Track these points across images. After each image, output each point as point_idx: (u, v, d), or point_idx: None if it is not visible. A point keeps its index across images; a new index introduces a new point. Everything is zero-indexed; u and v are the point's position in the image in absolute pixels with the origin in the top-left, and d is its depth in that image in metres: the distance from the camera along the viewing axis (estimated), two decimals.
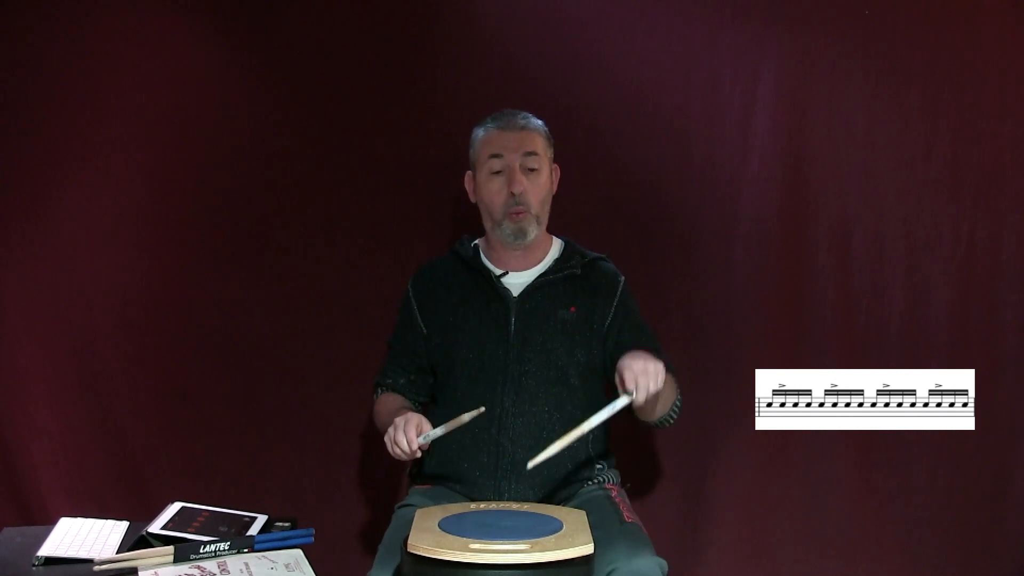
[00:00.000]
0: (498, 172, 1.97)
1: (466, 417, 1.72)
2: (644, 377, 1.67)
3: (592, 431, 1.94)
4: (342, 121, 2.51)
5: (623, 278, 2.07)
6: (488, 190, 1.98)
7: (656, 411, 1.90)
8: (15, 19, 2.43)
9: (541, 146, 1.99)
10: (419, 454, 1.77)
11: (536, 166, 1.97)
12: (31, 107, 2.45)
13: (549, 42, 2.47)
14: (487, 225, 2.03)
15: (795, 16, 2.42)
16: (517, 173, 1.95)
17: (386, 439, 1.79)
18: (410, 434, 1.73)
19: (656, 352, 2.00)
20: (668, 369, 1.96)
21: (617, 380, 1.72)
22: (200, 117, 2.51)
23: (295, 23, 2.50)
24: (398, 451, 1.76)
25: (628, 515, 1.83)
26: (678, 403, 2.00)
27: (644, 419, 1.95)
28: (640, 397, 1.67)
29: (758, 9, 2.43)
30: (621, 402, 1.68)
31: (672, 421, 2.02)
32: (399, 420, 1.77)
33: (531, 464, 1.64)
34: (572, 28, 2.47)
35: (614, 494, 1.94)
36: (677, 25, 2.46)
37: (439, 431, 1.74)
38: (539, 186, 1.98)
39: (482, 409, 1.73)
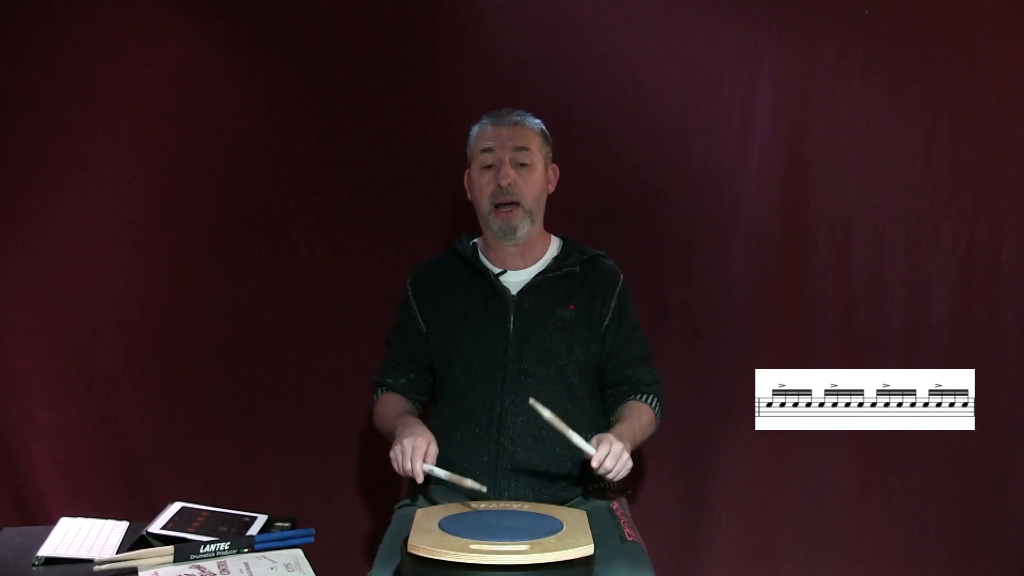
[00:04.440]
0: (489, 166, 1.97)
1: (468, 482, 1.74)
2: (612, 460, 1.73)
3: (590, 431, 1.95)
4: (342, 121, 2.51)
5: (622, 276, 2.07)
6: (479, 184, 1.99)
7: None
8: (15, 19, 2.43)
9: (535, 143, 1.99)
10: (421, 480, 1.78)
11: (528, 161, 1.97)
12: (31, 107, 2.45)
13: (549, 42, 2.47)
14: (480, 222, 2.03)
15: (795, 16, 2.42)
16: (506, 165, 1.95)
17: (392, 457, 1.80)
18: (416, 465, 1.75)
19: (647, 358, 2.02)
20: (656, 390, 2.02)
21: (593, 441, 1.76)
22: (200, 117, 2.51)
23: (295, 23, 2.50)
24: (401, 474, 1.78)
25: (629, 532, 1.82)
26: (657, 425, 2.02)
27: None
28: (595, 466, 1.73)
29: (758, 9, 2.43)
30: (588, 451, 1.74)
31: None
32: (407, 443, 1.77)
33: (534, 401, 1.73)
34: (572, 28, 2.47)
35: (616, 506, 1.93)
36: (677, 25, 2.46)
37: (443, 474, 1.76)
38: (531, 181, 1.97)
39: (484, 489, 1.75)
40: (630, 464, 1.77)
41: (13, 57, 2.44)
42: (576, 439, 1.73)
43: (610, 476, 1.75)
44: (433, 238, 2.47)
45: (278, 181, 2.53)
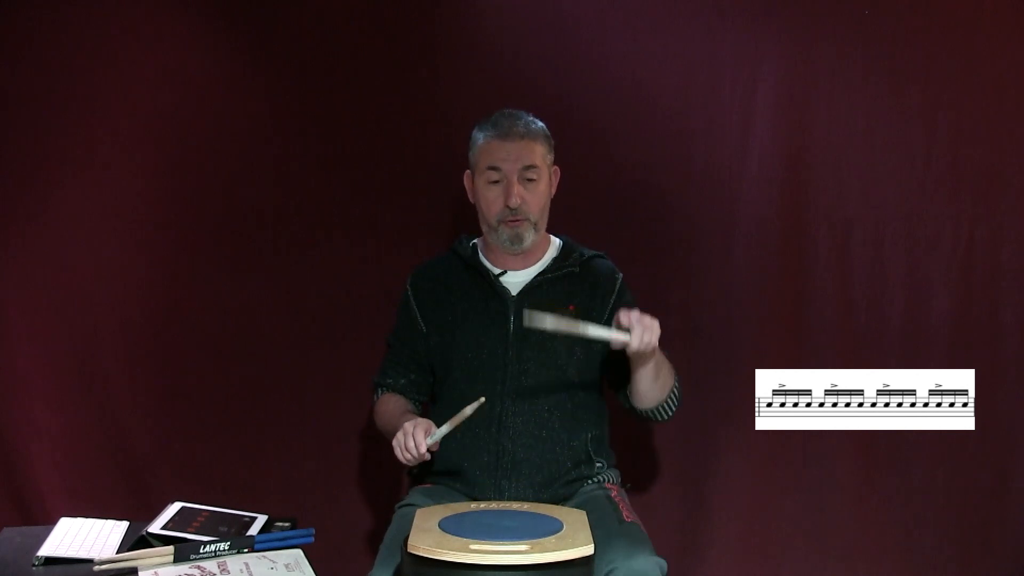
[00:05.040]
0: (496, 181, 1.96)
1: (468, 410, 1.73)
2: (640, 325, 1.72)
3: (591, 431, 1.95)
4: (342, 121, 2.51)
5: (621, 275, 2.07)
6: (485, 198, 1.98)
7: (654, 392, 1.92)
8: (15, 19, 2.43)
9: (540, 154, 1.98)
10: (428, 457, 1.78)
11: (535, 176, 1.96)
12: (31, 107, 2.45)
13: (549, 42, 2.47)
14: (483, 228, 2.02)
15: (795, 16, 2.42)
16: (515, 186, 1.94)
17: (395, 445, 1.79)
18: (419, 438, 1.75)
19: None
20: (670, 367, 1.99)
21: (614, 323, 1.76)
22: (200, 117, 2.51)
23: (296, 23, 2.50)
24: (408, 456, 1.77)
25: (627, 514, 1.83)
26: (676, 392, 2.00)
27: (641, 406, 1.96)
28: (635, 342, 1.71)
29: (758, 9, 2.43)
30: (620, 336, 1.71)
31: (670, 414, 2.01)
32: (407, 426, 1.77)
33: (529, 318, 1.72)
34: (572, 28, 2.47)
35: (614, 493, 1.94)
36: (677, 25, 2.46)
37: (445, 429, 1.75)
38: (537, 194, 1.97)
39: (483, 400, 1.74)
40: (657, 328, 1.74)
41: (13, 57, 2.44)
42: (596, 331, 1.72)
43: (648, 339, 1.73)
44: (433, 238, 2.47)
45: (278, 181, 2.53)
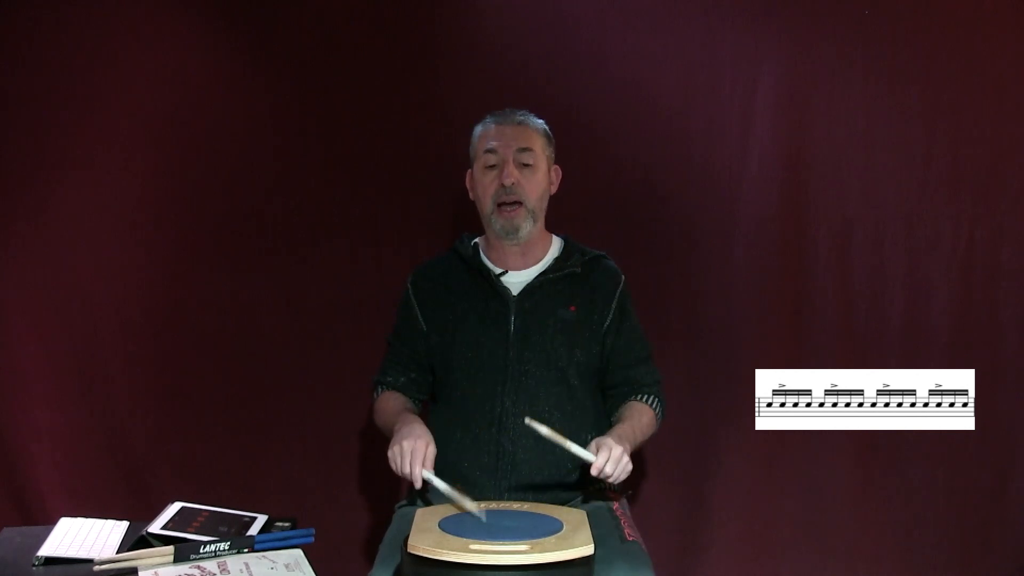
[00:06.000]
0: (492, 166, 1.97)
1: (468, 504, 1.72)
2: (612, 465, 1.71)
3: (591, 432, 1.96)
4: (343, 121, 2.51)
5: (623, 277, 2.06)
6: (482, 184, 1.98)
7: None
8: (15, 19, 2.44)
9: (538, 143, 1.99)
10: (419, 485, 1.77)
11: (531, 161, 1.96)
12: (31, 107, 2.45)
13: (549, 42, 2.47)
14: (483, 222, 2.03)
15: (795, 16, 2.42)
16: (510, 165, 1.94)
17: (390, 458, 1.78)
18: (415, 470, 1.73)
19: (647, 359, 2.02)
20: (656, 390, 2.02)
21: (592, 446, 1.75)
22: (200, 117, 2.51)
23: (296, 24, 2.50)
24: (400, 475, 1.77)
25: (629, 532, 1.82)
26: (655, 429, 2.02)
27: None
28: (595, 473, 1.71)
29: (758, 9, 2.43)
30: (588, 458, 1.73)
31: None
32: (406, 445, 1.76)
33: (530, 420, 1.72)
34: (572, 28, 2.47)
35: (616, 507, 1.93)
36: (677, 25, 2.46)
37: (442, 486, 1.73)
38: (534, 181, 1.97)
39: (483, 518, 1.71)
40: (630, 467, 1.76)
41: (13, 57, 2.44)
42: (575, 449, 1.73)
43: (611, 480, 1.75)
44: (433, 238, 2.47)
45: (278, 181, 2.53)
